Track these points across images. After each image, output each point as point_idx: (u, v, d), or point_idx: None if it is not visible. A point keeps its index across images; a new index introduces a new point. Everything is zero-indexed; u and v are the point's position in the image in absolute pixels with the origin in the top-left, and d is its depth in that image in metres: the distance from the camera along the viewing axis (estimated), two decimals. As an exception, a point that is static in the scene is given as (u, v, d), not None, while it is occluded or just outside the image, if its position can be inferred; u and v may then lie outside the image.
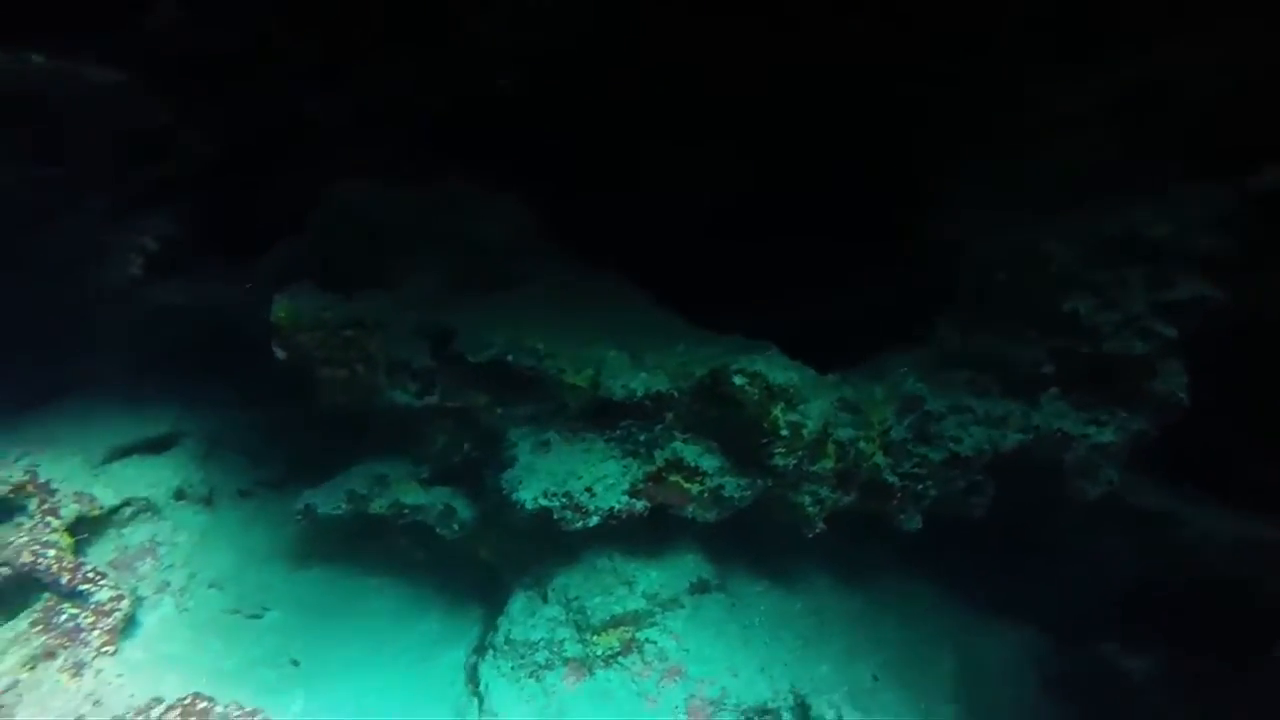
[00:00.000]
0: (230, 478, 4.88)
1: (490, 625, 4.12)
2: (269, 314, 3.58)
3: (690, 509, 3.39)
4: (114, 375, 4.62)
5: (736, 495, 3.39)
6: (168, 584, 4.29)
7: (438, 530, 3.87)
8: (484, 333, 3.32)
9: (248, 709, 3.31)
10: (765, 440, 3.24)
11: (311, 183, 3.66)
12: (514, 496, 3.22)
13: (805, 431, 3.20)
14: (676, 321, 3.81)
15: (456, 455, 3.79)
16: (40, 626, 3.80)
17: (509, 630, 3.77)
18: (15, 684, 3.52)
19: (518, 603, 3.89)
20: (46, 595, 3.92)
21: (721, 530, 3.82)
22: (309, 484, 4.87)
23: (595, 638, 3.61)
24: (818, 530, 3.48)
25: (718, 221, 4.17)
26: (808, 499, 3.43)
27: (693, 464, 3.33)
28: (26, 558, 3.78)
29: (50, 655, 3.59)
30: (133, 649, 3.83)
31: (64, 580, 3.78)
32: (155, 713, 3.27)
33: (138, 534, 4.35)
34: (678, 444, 3.34)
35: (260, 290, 3.84)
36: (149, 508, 4.44)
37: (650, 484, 3.32)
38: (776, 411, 3.17)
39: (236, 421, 4.99)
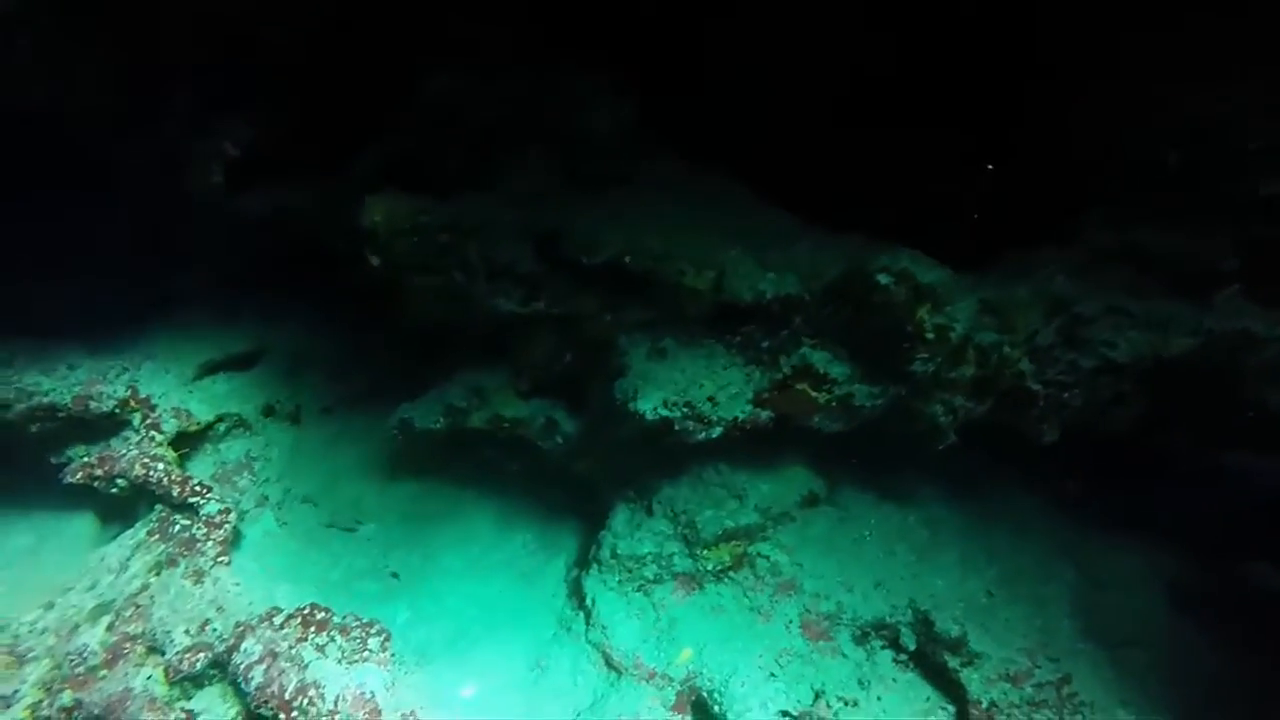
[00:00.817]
0: (315, 393, 4.83)
1: (590, 539, 4.05)
2: (357, 220, 3.38)
3: (816, 419, 3.20)
4: (200, 290, 4.54)
5: (867, 404, 3.18)
6: (266, 498, 4.30)
7: (538, 443, 3.75)
8: (597, 233, 3.08)
9: (364, 620, 3.30)
10: (907, 345, 2.99)
11: (403, 78, 3.38)
12: (632, 406, 3.05)
13: (952, 335, 2.93)
14: (789, 220, 3.51)
15: (556, 365, 3.63)
16: (157, 536, 3.84)
17: (613, 544, 3.68)
18: (146, 586, 3.57)
19: (620, 516, 3.79)
20: (159, 507, 3.95)
21: (831, 441, 3.63)
22: (394, 399, 4.79)
23: (705, 552, 3.50)
24: (949, 442, 3.27)
25: (826, 111, 3.80)
26: (940, 409, 3.21)
27: (822, 371, 3.11)
28: (139, 470, 3.78)
29: (173, 563, 3.63)
30: (242, 560, 3.86)
31: (175, 493, 3.78)
32: (277, 620, 3.27)
33: (233, 449, 4.35)
34: (806, 349, 3.11)
35: (349, 196, 3.64)
36: (242, 423, 4.42)
37: (775, 393, 3.13)
38: (922, 313, 2.91)
39: (318, 336, 4.90)
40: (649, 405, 3.02)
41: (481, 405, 3.69)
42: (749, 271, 3.04)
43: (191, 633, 3.42)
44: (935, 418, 3.19)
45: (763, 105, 3.50)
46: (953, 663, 3.25)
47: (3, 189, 4.24)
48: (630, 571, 3.59)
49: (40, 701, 3.40)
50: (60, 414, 3.90)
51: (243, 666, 3.13)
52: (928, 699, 3.33)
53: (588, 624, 3.64)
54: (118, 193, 3.88)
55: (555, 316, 3.39)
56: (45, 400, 3.85)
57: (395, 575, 4.10)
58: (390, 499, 4.56)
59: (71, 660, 3.46)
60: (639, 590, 3.59)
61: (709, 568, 3.47)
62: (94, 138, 3.87)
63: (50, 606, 3.76)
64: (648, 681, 3.35)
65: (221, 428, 4.29)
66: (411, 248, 3.27)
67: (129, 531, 4.10)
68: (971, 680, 3.21)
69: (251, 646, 3.18)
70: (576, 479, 4.18)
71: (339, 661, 3.15)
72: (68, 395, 3.89)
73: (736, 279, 3.03)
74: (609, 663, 3.51)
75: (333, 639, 3.21)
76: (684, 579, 3.53)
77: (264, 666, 3.10)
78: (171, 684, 3.45)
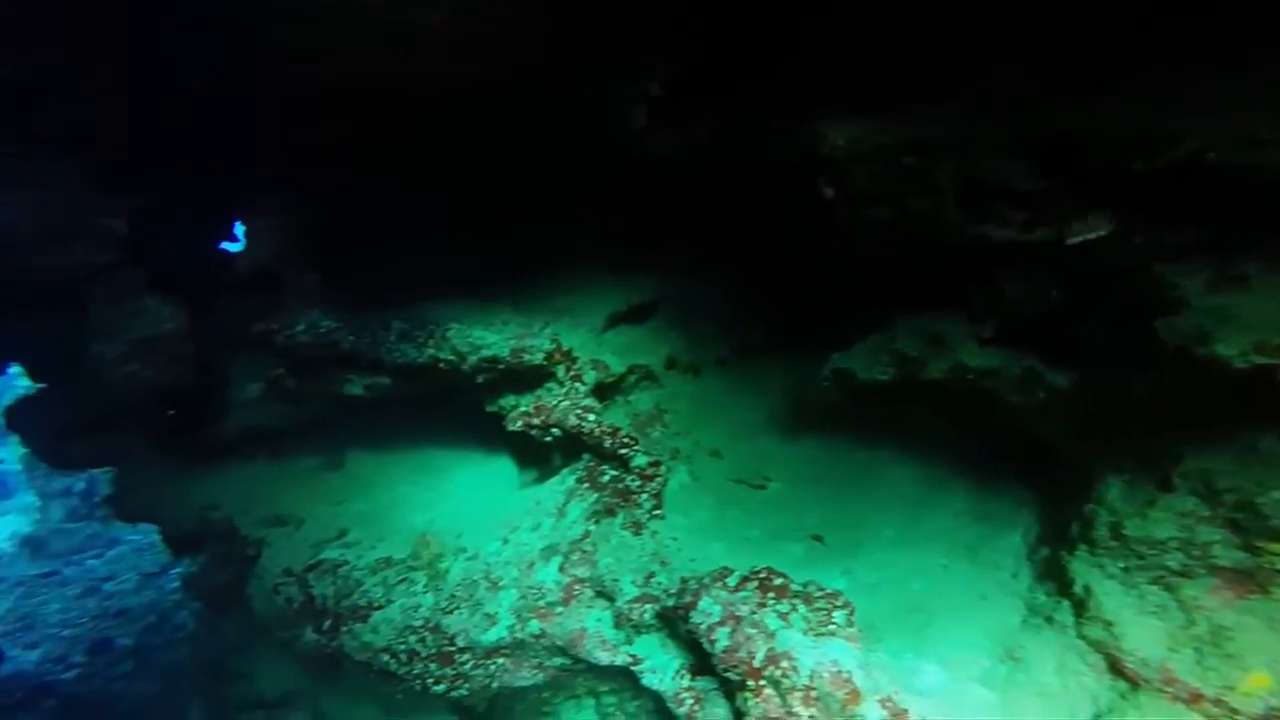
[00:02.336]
0: (710, 345, 4.72)
1: (1054, 512, 3.39)
2: (804, 149, 3.01)
3: None
4: (603, 240, 4.58)
5: None
6: (678, 451, 4.27)
7: (1008, 398, 3.16)
8: (1151, 128, 2.35)
9: (827, 589, 3.02)
10: None
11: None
12: (1202, 351, 2.32)
13: None
14: None
15: (1035, 305, 2.99)
16: (587, 484, 3.98)
17: (1113, 523, 2.96)
18: (588, 534, 3.69)
19: (1114, 489, 3.05)
20: (586, 456, 4.09)
21: None
22: (788, 351, 4.48)
23: (1273, 545, 2.64)
24: None
25: None
26: None
27: None
28: (573, 421, 3.91)
29: (610, 512, 3.70)
30: (671, 513, 3.83)
31: (606, 443, 3.85)
32: (730, 581, 3.13)
33: (643, 401, 4.37)
34: None
35: (772, 125, 3.29)
36: (649, 375, 4.43)
37: None
38: None
39: (711, 285, 4.75)
40: (1233, 350, 2.27)
41: (939, 354, 3.19)
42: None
43: (638, 583, 3.44)
44: None
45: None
46: None
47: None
48: (1142, 559, 2.87)
49: (514, 625, 3.69)
50: (500, 366, 4.16)
51: (704, 627, 3.04)
52: None
53: (1079, 615, 3.01)
54: (529, 141, 3.95)
55: (1047, 244, 2.73)
56: (489, 353, 4.13)
57: (819, 538, 3.82)
58: (796, 455, 4.30)
59: (533, 593, 3.70)
60: (1156, 584, 2.86)
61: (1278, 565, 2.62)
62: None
63: (506, 542, 4.08)
64: (1190, 704, 2.65)
65: (631, 379, 4.33)
66: (872, 174, 2.83)
67: (555, 478, 4.33)
68: None
69: (710, 606, 3.07)
70: (1024, 440, 3.52)
71: (805, 633, 2.91)
72: (506, 349, 4.13)
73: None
74: (1117, 669, 2.86)
75: (795, 607, 2.98)
76: (1231, 576, 2.72)
77: (728, 629, 2.97)
78: (618, 628, 3.54)
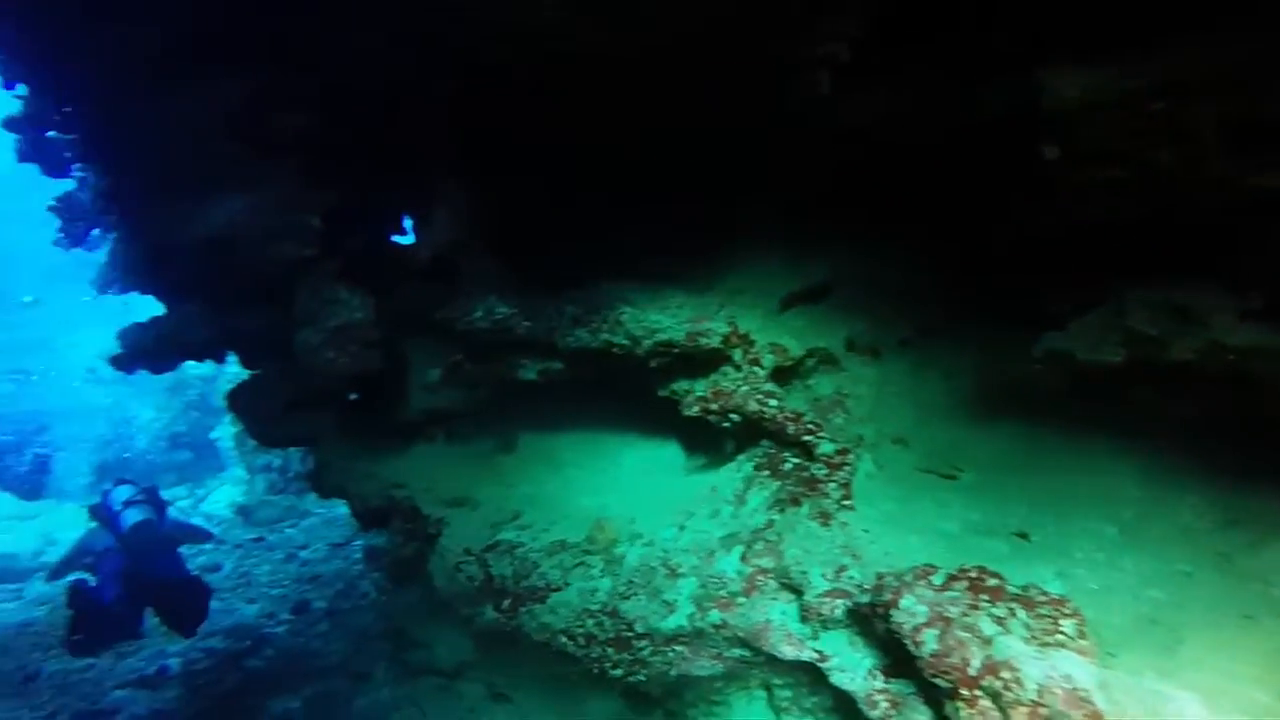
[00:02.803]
0: (891, 326, 4.41)
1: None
2: (990, 108, 2.69)
3: None
4: (777, 216, 4.39)
5: None
6: (861, 438, 4.02)
7: (1285, 383, 2.68)
8: None
9: (1052, 594, 2.71)
10: None
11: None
12: None
13: None
14: None
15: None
16: (768, 471, 3.84)
17: None
18: (771, 523, 3.56)
19: None
20: (765, 442, 3.94)
21: None
22: (982, 330, 4.10)
23: None
24: None
25: None
26: None
27: None
28: (753, 406, 3.78)
29: (795, 501, 3.55)
30: (859, 504, 3.61)
31: (789, 430, 3.69)
32: (935, 579, 2.88)
33: (823, 385, 4.16)
34: None
35: (983, 85, 2.96)
36: (828, 359, 4.21)
37: None
38: None
39: (888, 262, 4.43)
40: None
41: (1187, 330, 2.76)
42: None
43: (828, 577, 3.26)
44: None
45: None
46: None
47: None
48: None
49: (694, 614, 3.62)
50: (675, 350, 4.09)
51: (908, 628, 2.81)
52: None
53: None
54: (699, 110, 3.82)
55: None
56: (664, 337, 4.06)
57: (1023, 535, 3.47)
58: (991, 444, 3.93)
59: (714, 583, 3.61)
60: None
61: None
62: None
63: (682, 528, 4.02)
64: None
65: (810, 363, 4.13)
66: (1108, 127, 2.47)
67: (731, 465, 4.22)
68: None
69: (914, 605, 2.84)
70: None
71: (1026, 641, 2.63)
72: (680, 332, 4.05)
73: None
74: None
75: (1013, 612, 2.70)
76: None
77: (936, 631, 2.73)
78: (804, 622, 3.38)
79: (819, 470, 3.51)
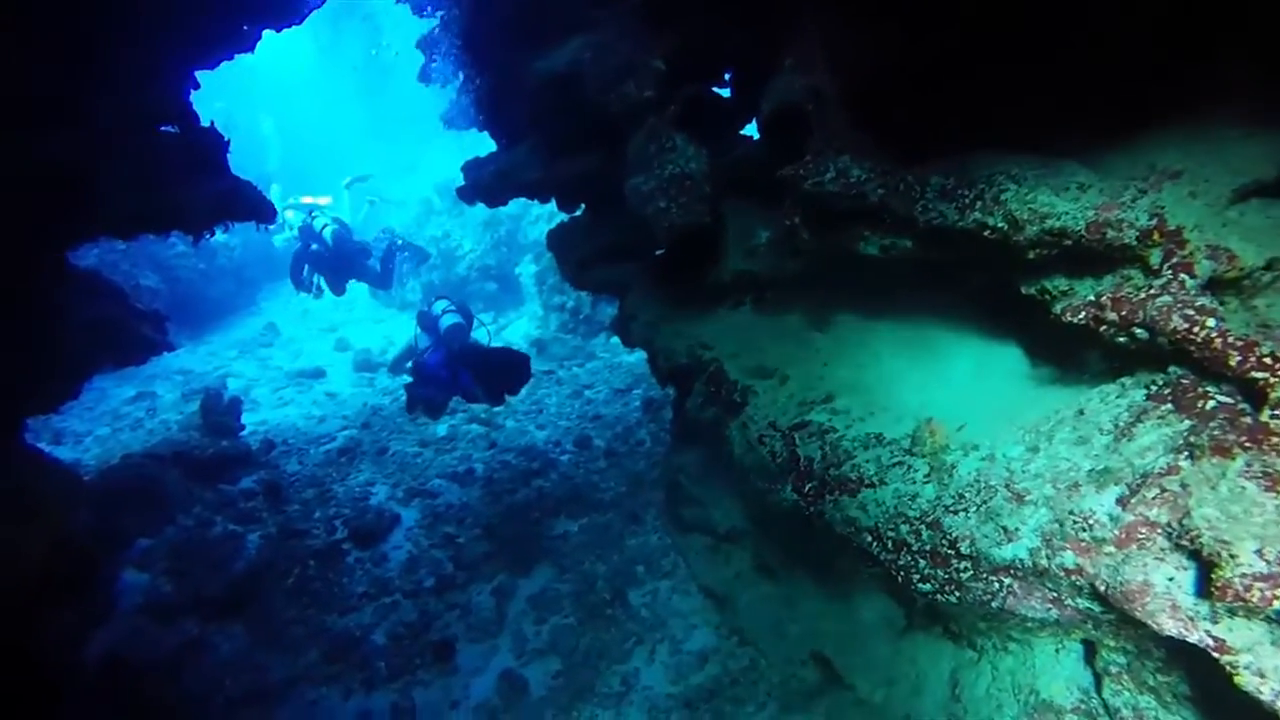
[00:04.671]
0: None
1: None
2: None
3: None
4: (1240, 79, 3.29)
5: None
6: (1323, 385, 3.02)
7: None
8: None
9: None
10: None
11: None
12: None
13: None
14: None
15: None
16: (1173, 406, 3.07)
17: None
18: (1173, 469, 2.87)
19: None
20: (1174, 369, 3.15)
21: None
22: None
23: None
24: None
25: None
26: None
27: None
28: (1177, 323, 2.98)
29: (1221, 451, 2.79)
30: (1317, 471, 2.74)
31: (1232, 360, 2.85)
32: None
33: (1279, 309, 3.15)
34: None
35: None
36: (1292, 274, 3.16)
37: None
38: None
39: None
40: None
41: None
42: None
43: (1270, 559, 2.54)
44: None
45: None
46: None
47: None
48: None
49: (1039, 549, 3.13)
50: (1067, 241, 3.34)
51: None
52: None
53: None
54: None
55: None
56: (1056, 225, 3.32)
57: None
58: None
59: (1074, 521, 3.05)
60: None
61: None
62: None
63: (1035, 450, 3.45)
64: None
65: (1265, 278, 3.14)
66: None
67: (1109, 387, 3.47)
68: None
69: None
70: None
71: None
72: (1080, 220, 3.28)
73: None
74: None
75: None
76: None
77: None
78: (1202, 598, 2.73)
79: (1274, 419, 2.69)
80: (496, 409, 9.61)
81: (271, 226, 10.03)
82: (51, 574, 2.57)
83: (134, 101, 4.17)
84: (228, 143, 4.73)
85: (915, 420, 3.95)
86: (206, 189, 4.38)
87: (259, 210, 5.04)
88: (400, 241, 10.13)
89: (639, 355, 11.28)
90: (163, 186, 3.90)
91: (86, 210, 3.23)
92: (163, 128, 4.35)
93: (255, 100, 23.44)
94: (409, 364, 7.75)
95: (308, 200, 10.31)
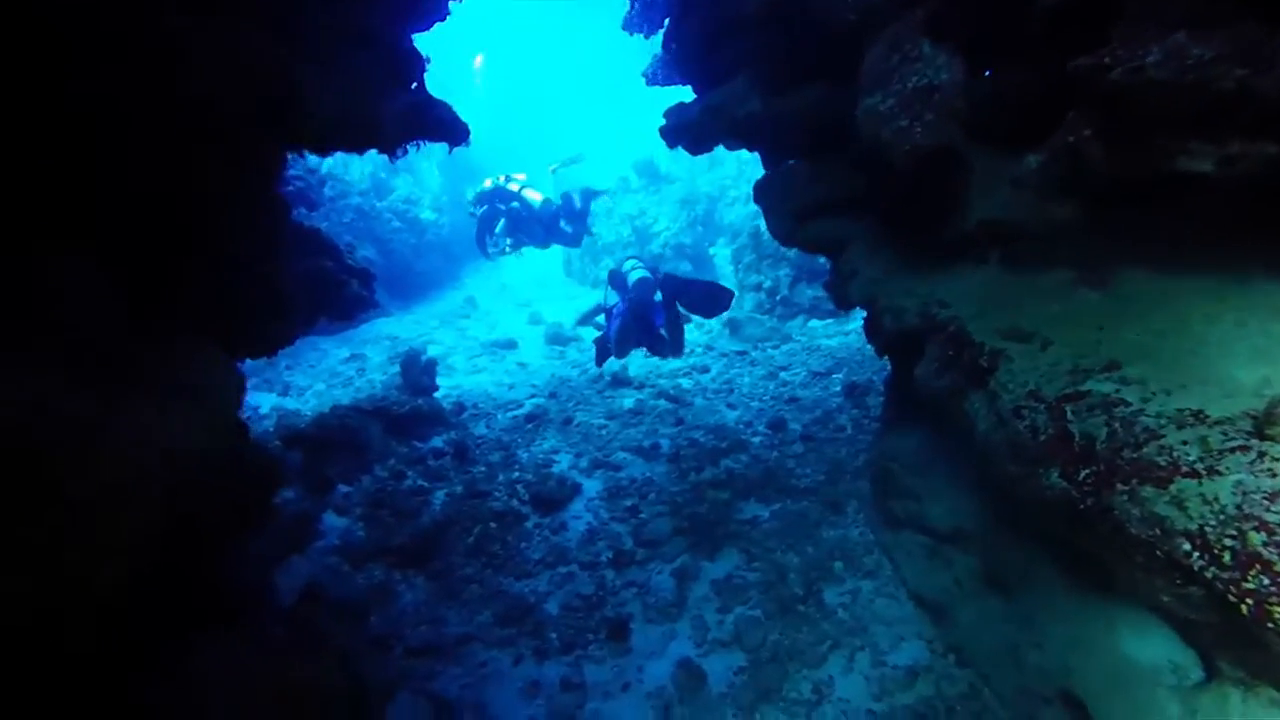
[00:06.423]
0: None
1: None
2: None
3: None
4: None
5: None
6: None
7: None
8: None
9: None
10: None
11: None
12: None
13: None
14: None
15: None
16: None
17: None
18: None
19: None
20: None
21: None
22: None
23: None
24: None
25: None
26: None
27: None
28: None
29: None
30: None
31: None
32: None
33: None
34: None
35: None
36: None
37: None
38: None
39: None
40: None
41: None
42: None
43: None
44: None
45: None
46: None
47: None
48: None
49: None
50: None
51: None
52: None
53: None
54: None
55: None
56: None
57: None
58: None
59: None
60: None
61: None
62: None
63: None
64: None
65: None
66: None
67: None
68: None
69: None
70: None
71: None
72: None
73: None
74: None
75: None
76: None
77: None
78: None
79: None
80: (684, 389, 9.20)
81: (470, 198, 10.46)
82: (211, 464, 2.40)
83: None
84: (427, 59, 4.67)
85: (1254, 397, 2.90)
86: (400, 101, 4.29)
87: (452, 130, 4.91)
88: (578, 194, 10.31)
89: (840, 339, 10.39)
90: (362, 97, 3.83)
91: (292, 114, 3.15)
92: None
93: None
94: (599, 318, 7.73)
95: (502, 180, 10.54)
